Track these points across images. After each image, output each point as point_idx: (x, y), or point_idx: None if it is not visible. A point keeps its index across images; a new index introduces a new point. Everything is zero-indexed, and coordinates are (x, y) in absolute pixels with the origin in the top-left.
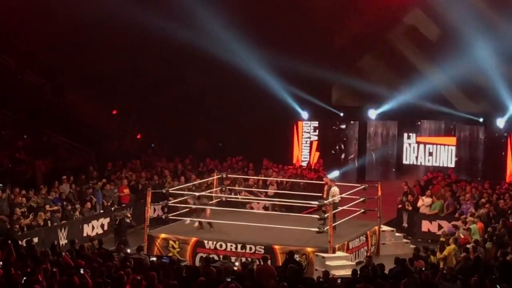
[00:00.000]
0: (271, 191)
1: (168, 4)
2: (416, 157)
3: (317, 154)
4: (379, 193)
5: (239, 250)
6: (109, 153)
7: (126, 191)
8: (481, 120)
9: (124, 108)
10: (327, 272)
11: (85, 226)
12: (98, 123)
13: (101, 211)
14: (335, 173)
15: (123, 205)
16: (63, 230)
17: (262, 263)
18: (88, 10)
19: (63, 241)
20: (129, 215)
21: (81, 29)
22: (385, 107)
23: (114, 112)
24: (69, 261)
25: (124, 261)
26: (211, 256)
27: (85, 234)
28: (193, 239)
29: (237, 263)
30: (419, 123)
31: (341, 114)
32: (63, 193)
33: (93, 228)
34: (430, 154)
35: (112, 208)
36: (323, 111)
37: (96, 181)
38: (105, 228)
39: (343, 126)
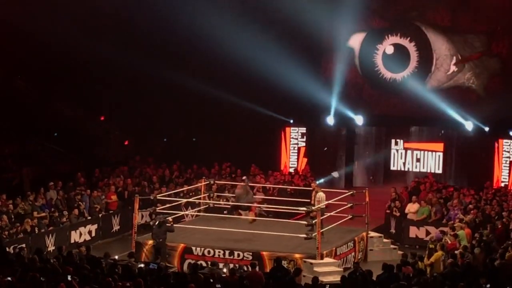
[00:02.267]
0: (258, 197)
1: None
2: (404, 163)
3: (305, 160)
4: (367, 199)
5: (227, 256)
6: (97, 160)
7: (114, 197)
8: (468, 125)
9: (112, 114)
10: (316, 278)
11: (73, 232)
12: (85, 130)
13: (89, 217)
14: (321, 180)
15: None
16: (50, 236)
17: (250, 269)
18: (75, 17)
19: (50, 248)
20: (170, 220)
21: (69, 35)
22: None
23: (102, 118)
24: (57, 267)
25: (112, 268)
26: (199, 262)
27: (72, 241)
28: (181, 245)
29: (225, 270)
30: (410, 129)
31: (330, 122)
32: (51, 200)
33: (80, 234)
34: (418, 160)
35: (100, 215)
36: (311, 116)
37: (83, 188)
38: (93, 234)
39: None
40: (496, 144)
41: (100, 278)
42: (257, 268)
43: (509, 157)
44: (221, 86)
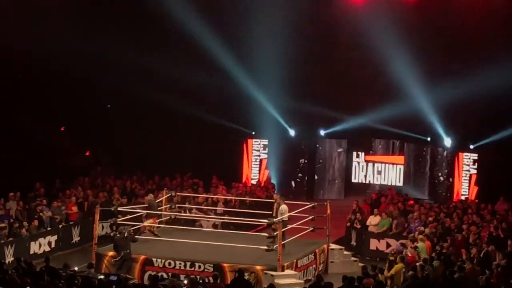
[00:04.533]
0: (220, 209)
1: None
2: (365, 176)
3: (267, 172)
4: (328, 211)
5: (188, 268)
6: (57, 170)
7: (75, 208)
8: (428, 139)
9: (72, 125)
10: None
11: (32, 243)
12: (46, 140)
13: (49, 228)
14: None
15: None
16: (10, 247)
17: (212, 281)
18: (37, 26)
19: (9, 259)
20: (131, 230)
21: (29, 45)
22: (335, 128)
23: (62, 129)
24: (15, 278)
25: (72, 279)
26: (159, 274)
27: (32, 252)
28: (142, 257)
29: (186, 281)
30: (372, 144)
31: (292, 133)
32: (10, 210)
33: (40, 245)
34: (379, 172)
35: (60, 226)
36: (273, 128)
37: (43, 199)
38: (52, 245)
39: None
40: (456, 157)
41: None
42: (218, 280)
43: (468, 170)
44: (183, 99)
